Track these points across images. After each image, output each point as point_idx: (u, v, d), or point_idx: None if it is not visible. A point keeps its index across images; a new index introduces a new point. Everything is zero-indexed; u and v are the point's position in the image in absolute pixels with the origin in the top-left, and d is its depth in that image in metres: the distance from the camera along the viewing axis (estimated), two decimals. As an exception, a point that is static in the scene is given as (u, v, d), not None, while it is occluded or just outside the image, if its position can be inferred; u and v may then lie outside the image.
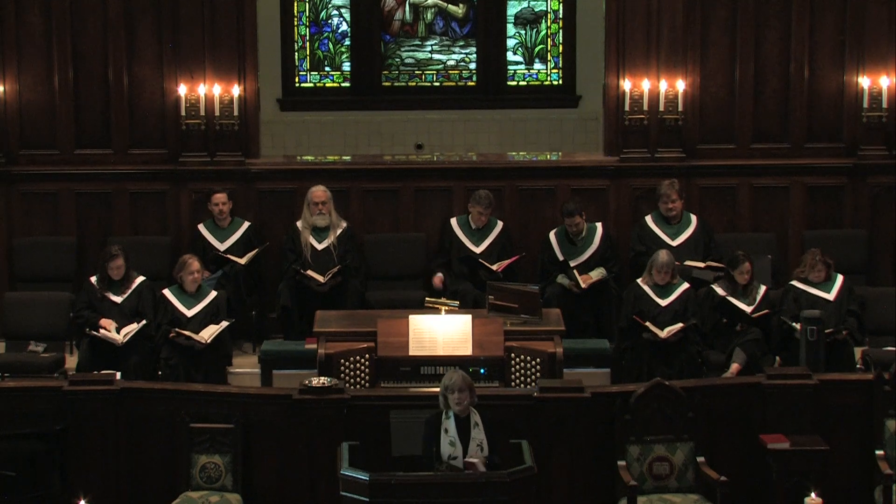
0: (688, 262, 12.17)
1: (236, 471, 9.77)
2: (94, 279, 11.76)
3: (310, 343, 11.15)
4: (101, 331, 11.37)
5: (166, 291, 11.63)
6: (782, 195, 13.28)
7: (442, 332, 10.76)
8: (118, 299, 11.64)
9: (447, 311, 11.01)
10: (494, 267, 12.24)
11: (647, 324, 11.31)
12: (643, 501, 9.55)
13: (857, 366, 11.49)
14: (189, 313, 11.51)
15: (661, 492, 9.70)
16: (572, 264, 12.23)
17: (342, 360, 10.71)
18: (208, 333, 11.34)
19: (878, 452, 9.83)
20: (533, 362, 10.73)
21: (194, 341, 11.27)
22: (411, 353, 10.73)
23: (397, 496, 8.66)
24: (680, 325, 11.32)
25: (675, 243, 12.39)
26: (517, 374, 10.75)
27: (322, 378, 10.00)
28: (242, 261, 12.42)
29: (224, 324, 11.49)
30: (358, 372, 10.74)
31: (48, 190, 13.19)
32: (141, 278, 11.79)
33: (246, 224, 12.77)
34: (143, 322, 11.52)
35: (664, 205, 12.52)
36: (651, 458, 9.73)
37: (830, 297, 11.56)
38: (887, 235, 13.14)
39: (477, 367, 10.67)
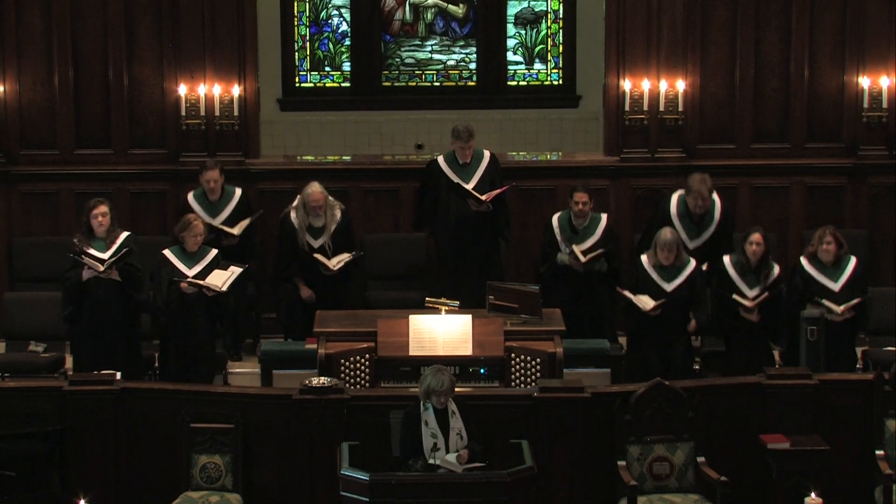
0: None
1: (236, 471, 9.77)
2: (75, 239, 11.33)
3: (310, 343, 11.14)
4: (86, 258, 11.01)
5: (167, 252, 11.33)
6: (782, 195, 13.28)
7: (442, 332, 10.76)
8: (103, 256, 11.20)
9: (447, 311, 11.01)
10: (484, 197, 12.13)
11: (629, 295, 11.21)
12: (643, 501, 9.55)
13: (857, 366, 11.49)
14: (190, 273, 11.21)
15: (662, 492, 9.70)
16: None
17: (342, 360, 10.71)
18: (221, 280, 11.10)
19: (878, 452, 9.83)
20: (533, 362, 10.73)
21: (208, 289, 11.04)
22: (411, 353, 10.73)
23: (397, 496, 8.68)
24: (662, 300, 11.18)
25: (692, 245, 12.07)
26: (517, 374, 10.75)
27: (322, 378, 10.00)
28: (235, 231, 12.18)
29: (237, 270, 11.19)
30: (358, 372, 10.74)
31: (48, 190, 13.20)
32: (126, 233, 11.41)
33: (238, 194, 12.47)
34: (126, 250, 11.14)
35: (693, 200, 12.10)
36: (651, 458, 9.73)
37: (836, 287, 11.30)
38: (887, 235, 13.15)
39: (477, 367, 10.68)
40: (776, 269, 11.36)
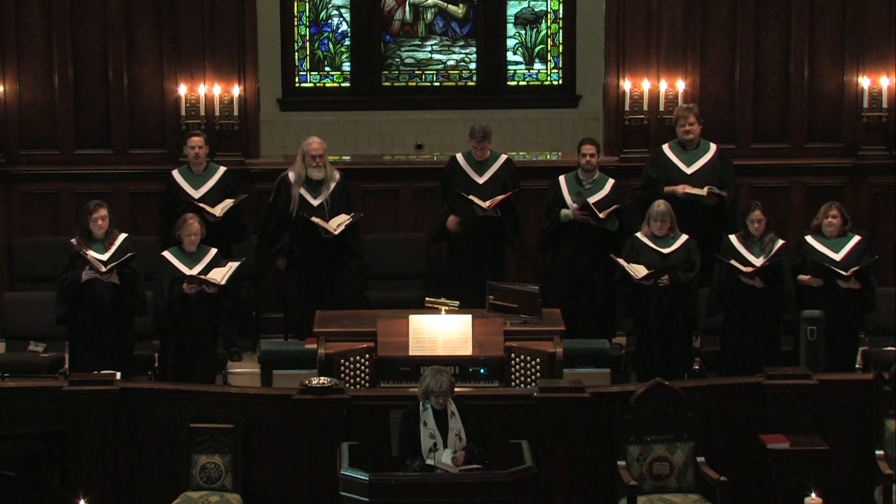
0: (687, 191, 11.98)
1: (236, 471, 9.77)
2: (73, 240, 11.26)
3: (310, 343, 11.14)
4: (89, 253, 10.97)
5: (166, 253, 11.30)
6: (782, 195, 13.28)
7: (442, 332, 10.76)
8: (102, 257, 11.16)
9: (447, 311, 11.01)
10: (486, 204, 12.10)
11: (623, 262, 11.22)
12: (643, 501, 9.55)
13: (857, 366, 11.50)
14: (190, 273, 11.12)
15: (661, 492, 9.70)
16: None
17: (342, 360, 10.71)
18: (220, 275, 11.07)
19: (878, 452, 9.83)
20: (533, 362, 10.73)
21: (208, 284, 11.01)
22: (411, 353, 10.72)
23: (397, 496, 8.68)
24: (652, 271, 11.19)
25: (689, 170, 12.25)
26: (517, 374, 10.75)
27: (322, 378, 10.00)
28: (217, 211, 12.08)
29: (234, 264, 11.17)
30: (358, 372, 10.74)
31: (48, 190, 13.20)
32: (123, 235, 11.36)
33: (222, 170, 12.42)
34: (130, 254, 11.09)
35: (681, 128, 12.27)
36: (651, 458, 9.74)
37: (838, 257, 11.26)
38: (887, 235, 13.14)
39: (477, 367, 10.67)
40: (779, 241, 11.39)
